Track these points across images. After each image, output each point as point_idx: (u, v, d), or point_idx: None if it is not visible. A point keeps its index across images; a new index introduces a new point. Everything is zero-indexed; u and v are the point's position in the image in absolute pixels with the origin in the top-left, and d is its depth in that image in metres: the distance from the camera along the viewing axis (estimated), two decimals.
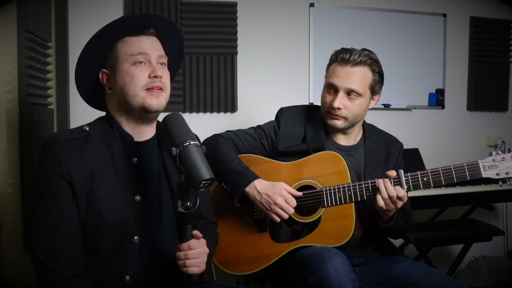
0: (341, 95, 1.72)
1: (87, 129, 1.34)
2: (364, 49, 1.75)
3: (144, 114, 1.35)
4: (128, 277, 1.30)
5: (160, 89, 1.33)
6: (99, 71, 1.37)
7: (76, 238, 1.28)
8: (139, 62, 1.32)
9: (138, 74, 1.31)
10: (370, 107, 1.80)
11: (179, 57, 1.53)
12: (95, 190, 1.28)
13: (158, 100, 1.33)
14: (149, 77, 1.31)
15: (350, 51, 1.72)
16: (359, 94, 1.72)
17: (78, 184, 1.26)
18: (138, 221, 1.32)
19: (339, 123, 1.74)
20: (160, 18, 1.41)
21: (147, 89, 1.31)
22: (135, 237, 1.31)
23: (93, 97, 1.43)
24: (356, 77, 1.71)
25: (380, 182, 1.58)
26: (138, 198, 1.33)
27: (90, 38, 1.33)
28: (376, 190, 1.59)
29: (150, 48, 1.33)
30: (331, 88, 1.75)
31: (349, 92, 1.71)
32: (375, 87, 1.76)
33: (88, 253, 1.29)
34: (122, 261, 1.30)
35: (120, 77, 1.32)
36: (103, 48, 1.34)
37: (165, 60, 1.38)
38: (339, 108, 1.71)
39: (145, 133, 1.40)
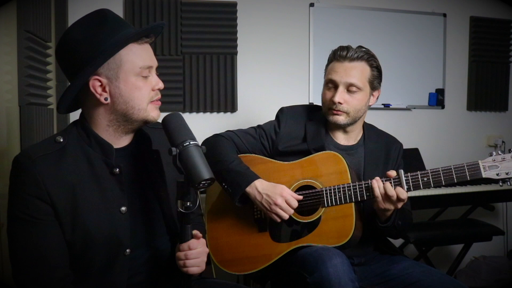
0: (341, 89, 1.72)
1: (61, 140, 1.23)
2: (360, 46, 1.77)
3: (141, 125, 1.31)
4: None
5: (159, 100, 1.31)
6: (88, 79, 1.21)
7: (64, 260, 1.20)
8: (146, 76, 1.26)
9: (145, 87, 1.26)
10: (370, 103, 1.80)
11: None
12: (78, 207, 1.19)
13: (158, 112, 1.31)
14: (153, 89, 1.28)
15: (347, 48, 1.74)
16: (358, 88, 1.72)
17: (60, 203, 1.17)
18: (128, 233, 1.26)
19: (341, 119, 1.74)
20: (161, 25, 1.37)
21: (151, 102, 1.29)
22: (127, 250, 1.26)
23: (71, 105, 1.31)
24: (355, 71, 1.72)
25: (374, 182, 1.58)
26: (123, 209, 1.25)
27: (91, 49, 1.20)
28: None
29: (152, 59, 1.29)
30: (330, 85, 1.76)
31: (348, 87, 1.72)
32: (374, 82, 1.77)
33: (79, 270, 1.23)
34: (113, 275, 1.25)
35: (126, 89, 1.23)
36: (104, 56, 1.20)
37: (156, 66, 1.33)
38: (340, 103, 1.72)
39: (125, 139, 1.33)
